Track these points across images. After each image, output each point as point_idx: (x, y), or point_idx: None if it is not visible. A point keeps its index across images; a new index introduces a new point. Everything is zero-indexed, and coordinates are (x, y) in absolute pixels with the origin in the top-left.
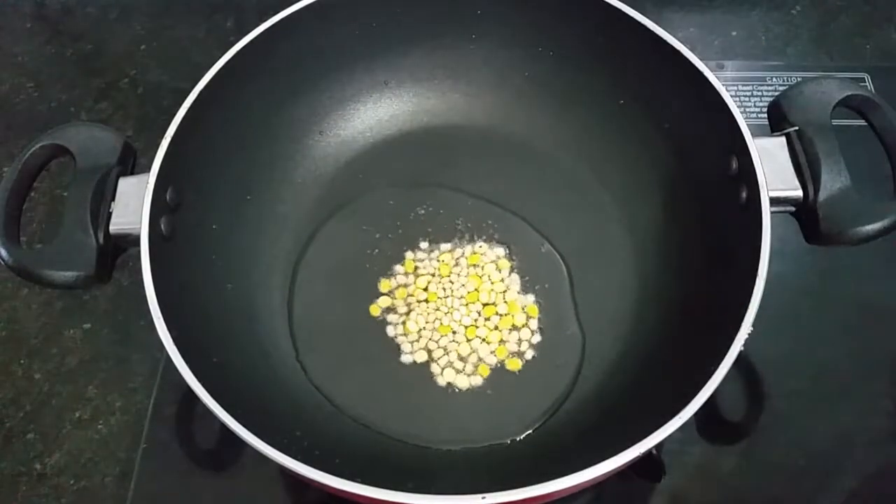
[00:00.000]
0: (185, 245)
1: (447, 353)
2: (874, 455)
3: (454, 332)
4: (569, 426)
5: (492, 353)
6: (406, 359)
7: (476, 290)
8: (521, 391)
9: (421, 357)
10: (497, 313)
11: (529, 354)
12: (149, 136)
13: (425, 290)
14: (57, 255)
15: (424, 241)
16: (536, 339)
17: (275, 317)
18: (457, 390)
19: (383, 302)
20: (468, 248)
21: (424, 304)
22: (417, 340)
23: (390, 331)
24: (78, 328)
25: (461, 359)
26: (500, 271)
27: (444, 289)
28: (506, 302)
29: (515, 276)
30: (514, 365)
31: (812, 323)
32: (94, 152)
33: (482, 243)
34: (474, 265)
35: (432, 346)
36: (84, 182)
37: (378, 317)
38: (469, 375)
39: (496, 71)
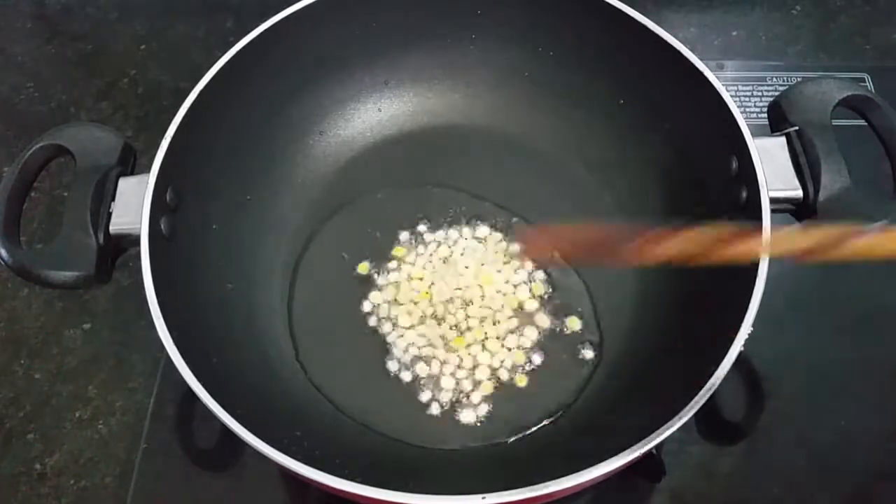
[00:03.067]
0: (185, 245)
1: (443, 379)
2: (874, 455)
3: (462, 347)
4: (569, 426)
5: (493, 374)
6: (405, 376)
7: (480, 286)
8: (523, 392)
9: (423, 370)
10: (508, 315)
11: (533, 353)
12: (149, 136)
13: (421, 279)
14: (57, 255)
15: (423, 240)
16: (542, 342)
17: (275, 317)
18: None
19: (374, 298)
20: (467, 231)
21: (425, 304)
22: (410, 350)
23: (389, 339)
24: (78, 328)
25: (462, 369)
26: (501, 271)
27: (445, 284)
28: (511, 301)
29: (520, 273)
30: (521, 381)
31: (812, 323)
32: (94, 152)
33: (485, 226)
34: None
35: (427, 352)
36: (84, 182)
37: (371, 319)
38: (470, 401)
39: (496, 71)
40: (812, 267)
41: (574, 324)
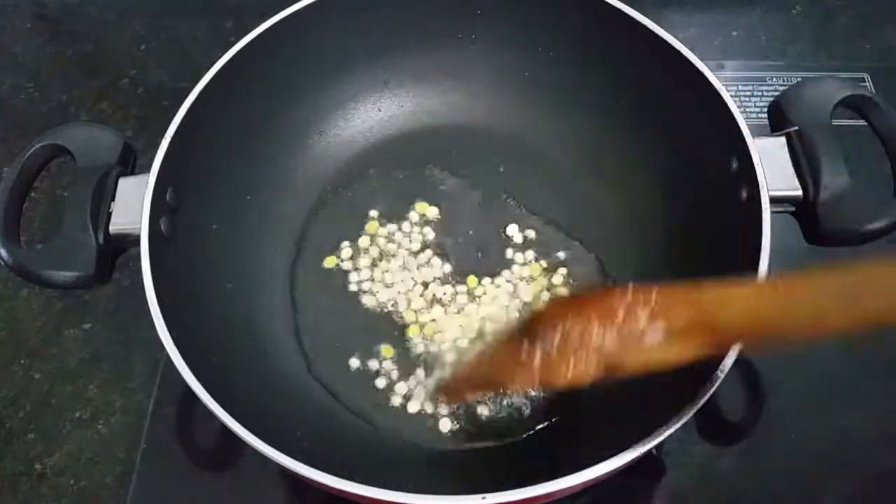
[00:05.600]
0: (185, 245)
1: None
2: (874, 455)
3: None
4: (569, 427)
5: None
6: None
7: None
8: (524, 393)
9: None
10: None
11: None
12: (149, 136)
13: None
14: (57, 255)
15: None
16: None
17: (275, 316)
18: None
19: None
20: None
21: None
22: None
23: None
24: (78, 328)
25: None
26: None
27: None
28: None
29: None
30: None
31: None
32: (94, 152)
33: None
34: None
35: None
36: (84, 182)
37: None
38: (472, 401)
39: (496, 71)
40: (812, 267)
41: None
